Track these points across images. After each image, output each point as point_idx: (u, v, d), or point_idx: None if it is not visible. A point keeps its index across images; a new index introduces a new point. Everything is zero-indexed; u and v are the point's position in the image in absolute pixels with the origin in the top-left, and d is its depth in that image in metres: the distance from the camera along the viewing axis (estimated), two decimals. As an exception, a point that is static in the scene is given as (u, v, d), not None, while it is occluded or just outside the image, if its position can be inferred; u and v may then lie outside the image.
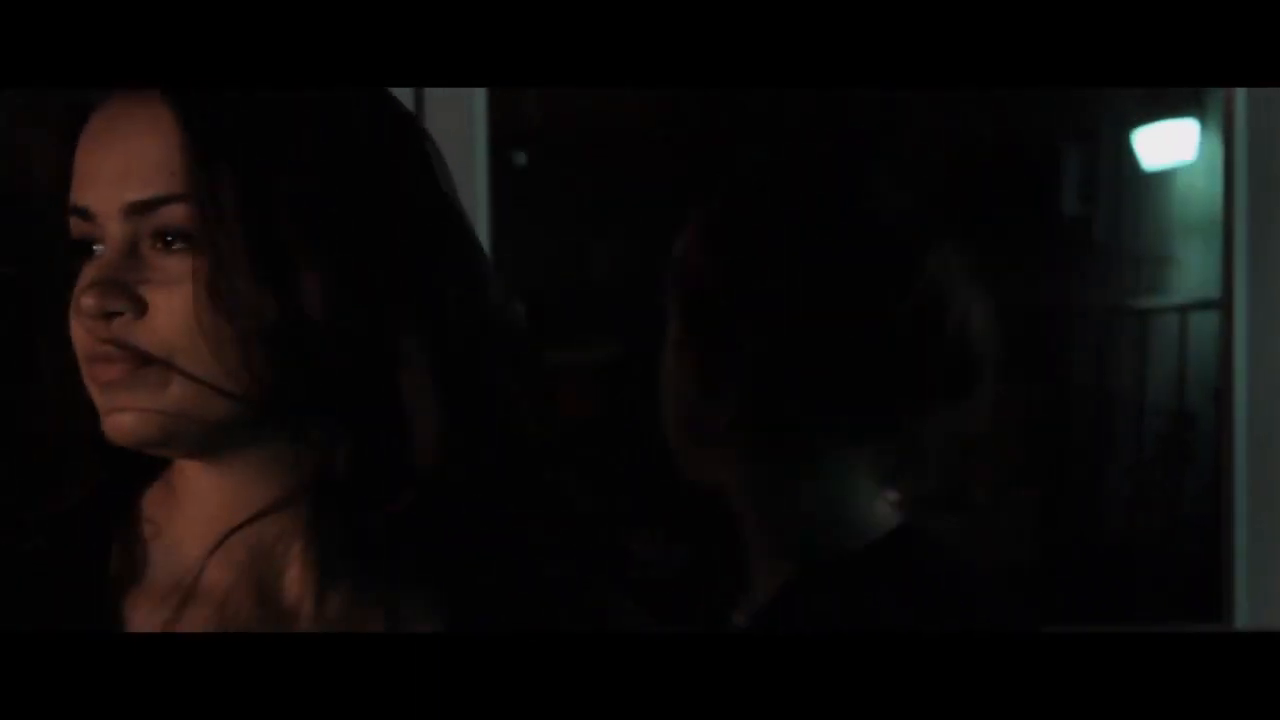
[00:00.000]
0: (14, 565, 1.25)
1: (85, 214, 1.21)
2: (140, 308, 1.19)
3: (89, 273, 1.20)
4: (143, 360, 1.18)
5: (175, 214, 1.18)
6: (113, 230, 1.20)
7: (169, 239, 1.19)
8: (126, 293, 1.18)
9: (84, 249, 1.22)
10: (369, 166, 1.21)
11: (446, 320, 1.22)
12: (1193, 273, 5.61)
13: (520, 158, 4.83)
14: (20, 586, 1.24)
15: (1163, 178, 5.72)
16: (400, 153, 1.24)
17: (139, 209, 1.19)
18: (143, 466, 1.27)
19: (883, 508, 1.71)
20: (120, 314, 1.19)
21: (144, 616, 1.22)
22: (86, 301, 1.18)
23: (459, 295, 1.23)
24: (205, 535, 1.23)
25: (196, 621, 1.21)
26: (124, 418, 1.19)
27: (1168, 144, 5.63)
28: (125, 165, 1.19)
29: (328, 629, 1.22)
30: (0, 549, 1.27)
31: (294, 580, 1.23)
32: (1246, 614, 3.27)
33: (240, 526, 1.21)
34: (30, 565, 1.25)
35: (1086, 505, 5.52)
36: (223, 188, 1.17)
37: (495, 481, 1.24)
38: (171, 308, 1.18)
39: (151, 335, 1.19)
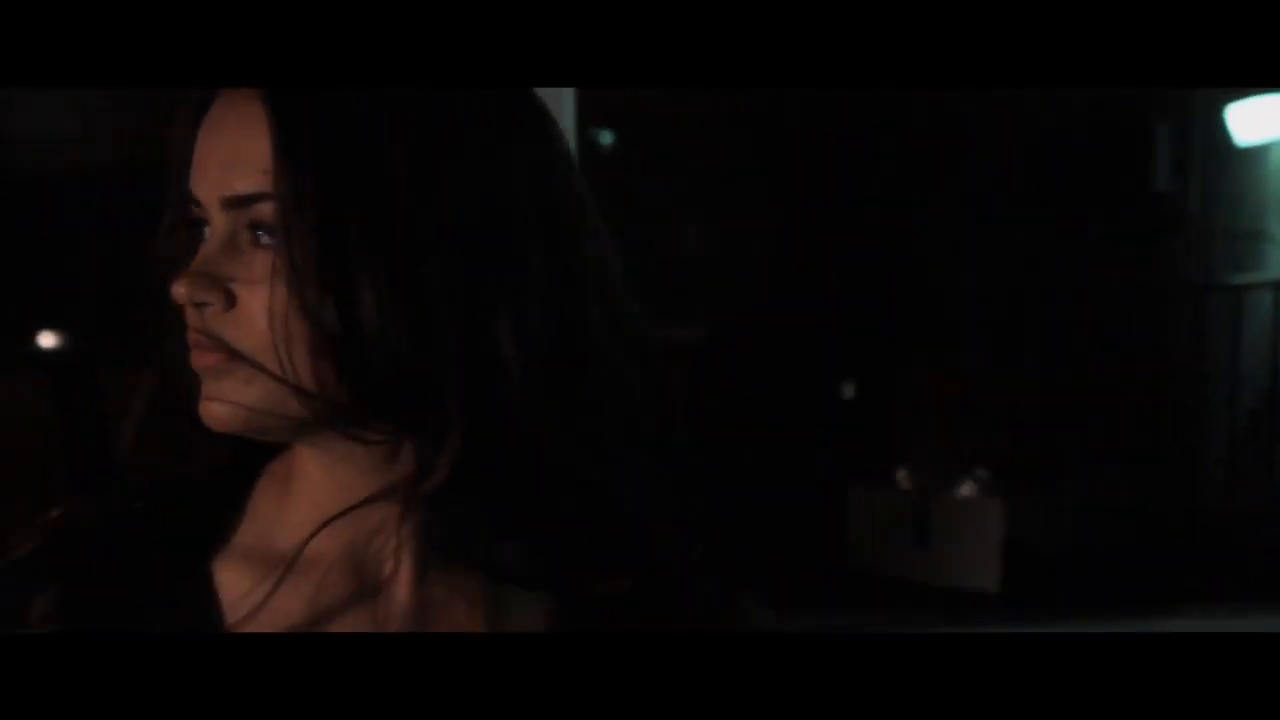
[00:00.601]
0: (127, 523, 1.25)
1: (196, 202, 1.21)
2: (229, 301, 1.19)
3: (193, 260, 1.22)
4: (232, 353, 1.18)
5: (266, 211, 1.18)
6: (216, 220, 1.20)
7: (260, 235, 1.19)
8: (217, 285, 1.19)
9: (199, 234, 1.24)
10: (475, 167, 1.20)
11: (559, 320, 1.19)
12: (1288, 248, 5.56)
13: (606, 137, 4.83)
14: (131, 544, 1.24)
15: (1257, 153, 5.66)
16: (514, 151, 1.23)
17: (235, 203, 1.19)
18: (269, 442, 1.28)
19: None
20: (210, 305, 1.19)
21: (244, 585, 1.22)
22: (177, 290, 1.18)
23: (566, 296, 1.20)
24: (311, 515, 1.22)
25: (293, 598, 1.21)
26: (215, 406, 1.20)
27: (1262, 118, 5.58)
28: (226, 158, 1.20)
29: (426, 618, 1.22)
30: (118, 507, 1.26)
31: (393, 568, 1.22)
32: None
33: (340, 515, 1.20)
34: (143, 525, 1.25)
35: (1180, 480, 5.48)
36: (306, 189, 1.16)
37: (615, 482, 1.24)
38: (255, 304, 1.18)
39: (237, 330, 1.19)
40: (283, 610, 1.21)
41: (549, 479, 1.20)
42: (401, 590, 1.22)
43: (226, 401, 1.19)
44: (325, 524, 1.20)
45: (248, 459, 1.28)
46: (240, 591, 1.22)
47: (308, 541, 1.20)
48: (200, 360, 1.20)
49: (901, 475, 4.95)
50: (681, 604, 1.26)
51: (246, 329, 1.18)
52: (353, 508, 1.20)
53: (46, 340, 3.99)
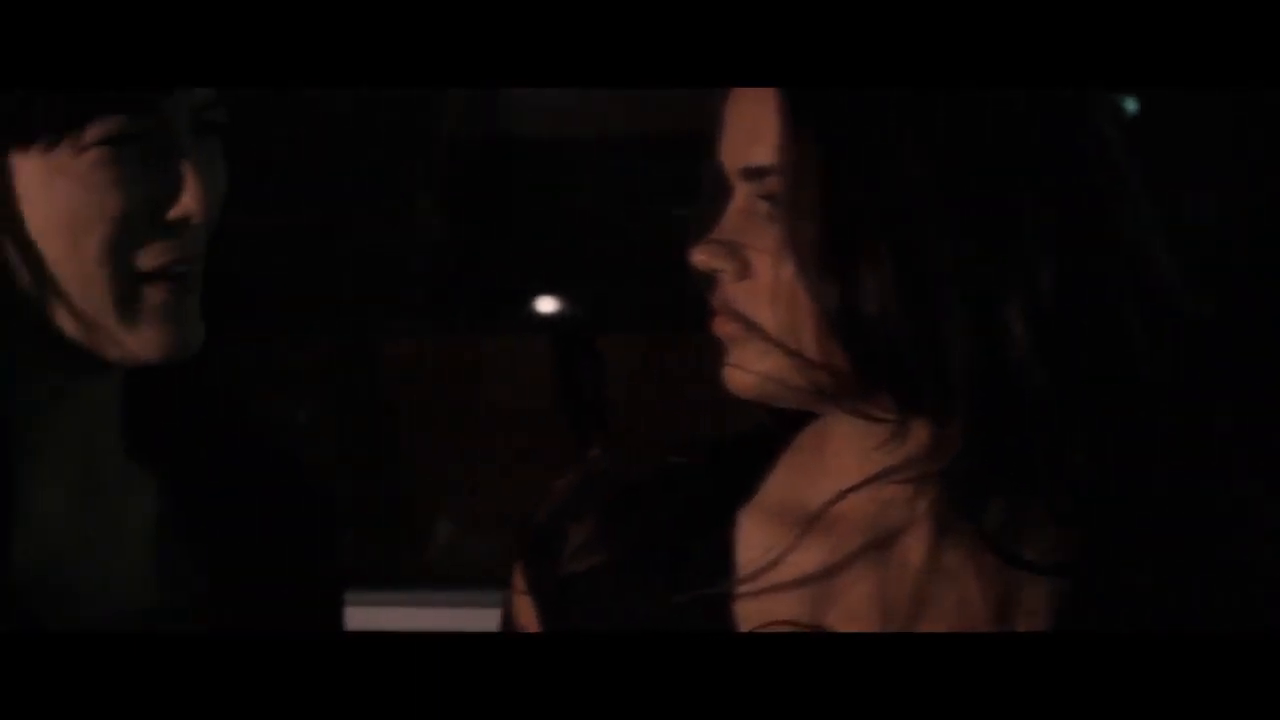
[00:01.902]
0: (665, 473, 1.31)
1: (723, 169, 1.24)
2: (742, 270, 1.21)
3: (714, 229, 1.23)
4: (748, 324, 1.21)
5: (777, 184, 1.19)
6: (738, 189, 1.23)
7: (774, 208, 1.20)
8: (733, 254, 1.21)
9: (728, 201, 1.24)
10: (993, 156, 1.17)
11: (1081, 302, 1.18)
12: None
13: (1131, 104, 4.71)
14: (668, 491, 1.30)
15: None
16: (1038, 135, 1.19)
17: (752, 174, 1.21)
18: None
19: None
20: (725, 273, 1.22)
21: (765, 538, 1.26)
22: (696, 257, 1.22)
23: (1091, 277, 1.18)
24: (831, 482, 1.24)
25: (809, 555, 1.24)
26: (734, 373, 1.22)
27: None
28: (747, 129, 1.21)
29: (936, 587, 1.23)
30: (657, 460, 1.32)
31: (907, 540, 1.23)
32: None
33: (856, 487, 1.21)
34: (681, 474, 1.31)
35: None
36: (811, 167, 1.17)
37: (1142, 466, 1.20)
38: (766, 275, 1.20)
39: (751, 299, 1.21)
40: (797, 565, 1.24)
41: (1066, 463, 1.18)
42: (913, 560, 1.22)
43: (744, 369, 1.21)
44: (842, 494, 1.21)
45: (785, 421, 1.29)
46: (760, 543, 1.25)
47: (827, 507, 1.22)
48: (720, 327, 1.22)
49: None
50: (1223, 601, 1.21)
51: (759, 299, 1.20)
52: (867, 481, 1.21)
53: (548, 305, 4.12)
